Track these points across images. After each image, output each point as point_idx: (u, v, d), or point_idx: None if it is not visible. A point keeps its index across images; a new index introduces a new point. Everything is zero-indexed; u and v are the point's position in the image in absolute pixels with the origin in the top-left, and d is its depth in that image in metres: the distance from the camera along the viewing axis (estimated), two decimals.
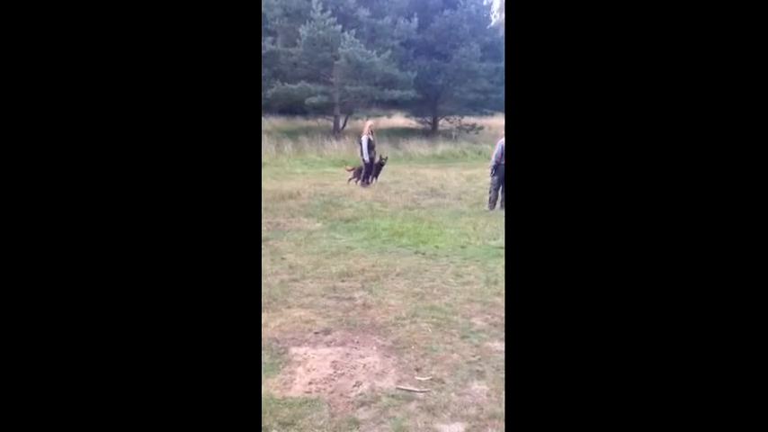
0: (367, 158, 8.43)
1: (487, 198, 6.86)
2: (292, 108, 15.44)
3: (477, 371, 2.50)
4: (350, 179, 8.59)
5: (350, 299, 3.48)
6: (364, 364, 2.57)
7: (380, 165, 8.70)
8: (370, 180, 8.49)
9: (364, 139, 8.44)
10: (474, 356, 2.65)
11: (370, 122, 9.09)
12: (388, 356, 2.65)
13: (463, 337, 2.87)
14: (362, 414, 2.14)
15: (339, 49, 12.89)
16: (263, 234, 5.04)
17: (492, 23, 18.69)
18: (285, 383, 2.38)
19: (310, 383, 2.38)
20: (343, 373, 2.48)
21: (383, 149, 10.10)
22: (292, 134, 14.13)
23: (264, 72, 13.22)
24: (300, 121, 15.83)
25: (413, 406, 2.19)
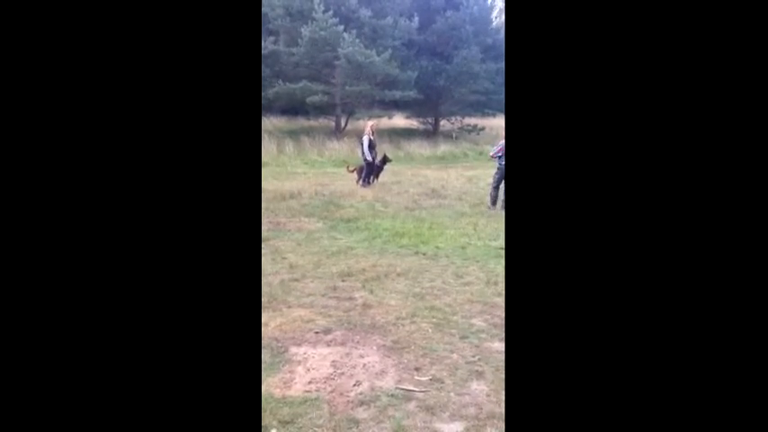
0: (369, 158, 8.43)
1: (488, 197, 6.93)
2: (294, 108, 15.46)
3: (477, 371, 2.50)
4: (357, 180, 8.55)
5: (350, 299, 3.49)
6: (364, 364, 2.57)
7: (382, 164, 8.70)
8: (371, 180, 8.49)
9: (365, 138, 8.44)
10: (473, 356, 2.65)
11: (371, 122, 9.09)
12: (388, 356, 2.66)
13: (463, 338, 2.88)
14: (362, 413, 2.14)
15: (339, 49, 12.90)
16: (264, 234, 5.05)
17: (494, 24, 18.68)
18: (285, 382, 2.38)
19: (310, 383, 2.39)
20: (342, 373, 2.48)
21: (384, 150, 10.12)
22: (293, 134, 14.14)
23: (266, 72, 13.24)
24: (302, 121, 15.84)
25: (412, 405, 2.20)
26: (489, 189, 7.00)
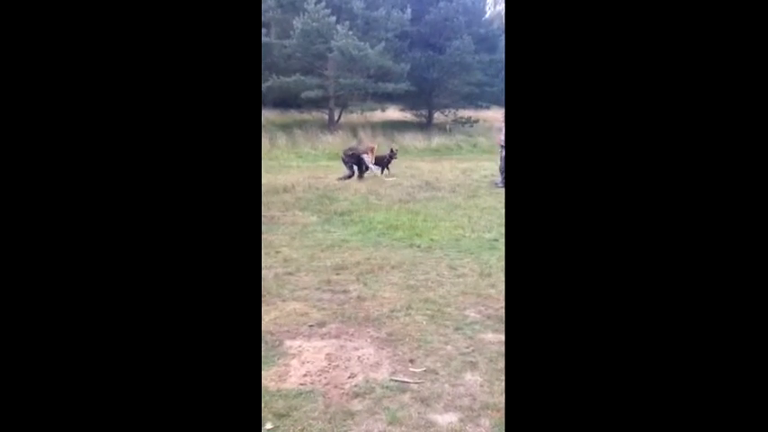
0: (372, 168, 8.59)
1: (499, 179, 7.98)
2: (286, 101, 15.34)
3: (471, 362, 2.52)
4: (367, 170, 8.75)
5: (344, 291, 3.49)
6: (359, 356, 2.58)
7: (390, 158, 9.02)
8: (362, 174, 8.55)
9: (366, 158, 8.60)
10: (467, 348, 2.67)
11: (372, 147, 9.23)
12: (383, 348, 2.67)
13: (457, 329, 2.89)
14: (357, 405, 2.15)
15: (332, 41, 12.81)
16: None
17: (487, 15, 18.63)
18: (280, 376, 2.39)
19: (305, 375, 2.40)
20: (337, 365, 2.49)
21: (378, 143, 10.11)
22: (286, 127, 14.06)
23: None
24: (294, 115, 15.73)
25: (407, 397, 2.21)
26: (498, 172, 8.05)
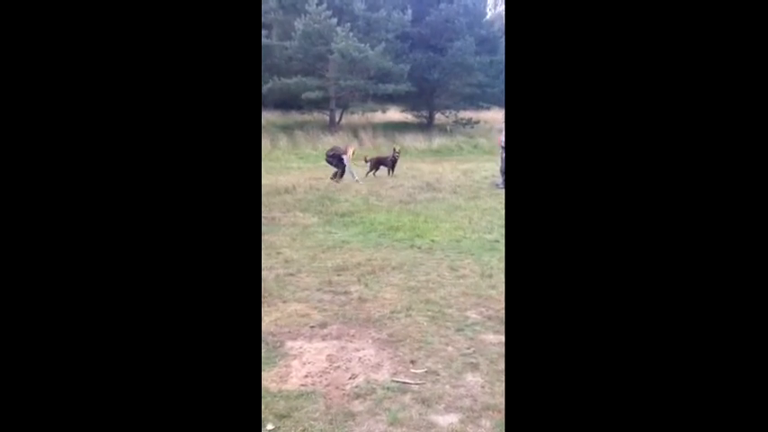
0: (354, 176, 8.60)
1: (500, 179, 7.96)
2: (287, 102, 15.36)
3: (472, 363, 2.52)
4: (368, 172, 8.83)
5: (345, 293, 3.50)
6: (360, 357, 2.58)
7: (394, 158, 9.11)
8: (342, 175, 8.59)
9: (346, 159, 8.61)
10: (468, 349, 2.67)
11: (352, 149, 9.28)
12: (384, 349, 2.67)
13: (458, 330, 2.89)
14: (358, 406, 2.15)
15: (333, 43, 12.83)
16: None
17: (488, 16, 18.63)
18: (281, 377, 2.39)
19: (306, 376, 2.40)
20: (338, 366, 2.50)
21: (379, 144, 10.11)
22: (287, 128, 14.07)
23: None
24: (295, 116, 15.74)
25: (408, 398, 2.21)
26: (499, 173, 8.03)
